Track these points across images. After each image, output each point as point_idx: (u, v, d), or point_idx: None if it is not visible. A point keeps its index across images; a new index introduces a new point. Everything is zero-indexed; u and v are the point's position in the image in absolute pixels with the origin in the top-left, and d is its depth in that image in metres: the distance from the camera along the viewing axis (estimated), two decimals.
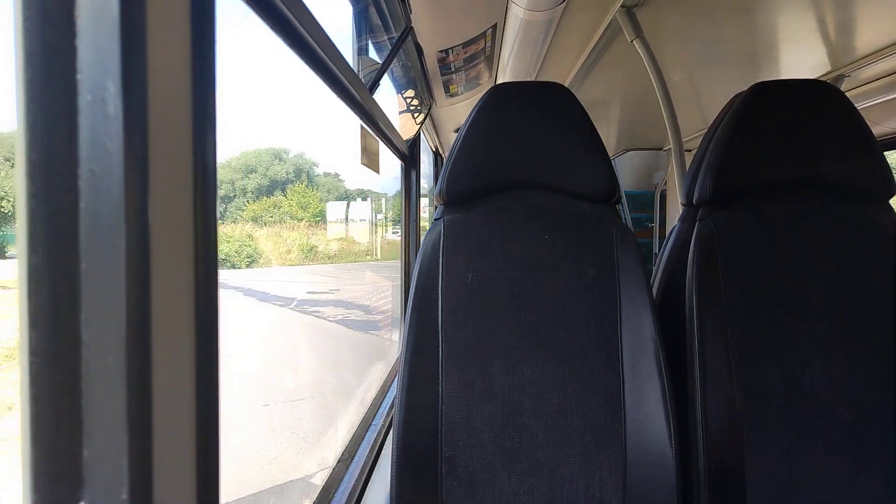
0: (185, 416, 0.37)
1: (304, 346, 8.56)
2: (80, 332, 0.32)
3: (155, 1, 0.33)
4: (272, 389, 6.74)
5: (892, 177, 1.07)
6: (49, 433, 0.33)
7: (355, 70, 1.33)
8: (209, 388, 0.39)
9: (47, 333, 0.32)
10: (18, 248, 0.32)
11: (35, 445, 0.32)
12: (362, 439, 1.38)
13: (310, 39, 0.77)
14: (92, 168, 0.32)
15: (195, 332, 0.38)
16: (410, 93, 2.03)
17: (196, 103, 0.38)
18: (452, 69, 1.91)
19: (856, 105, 2.06)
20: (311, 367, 7.69)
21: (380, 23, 1.38)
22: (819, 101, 1.09)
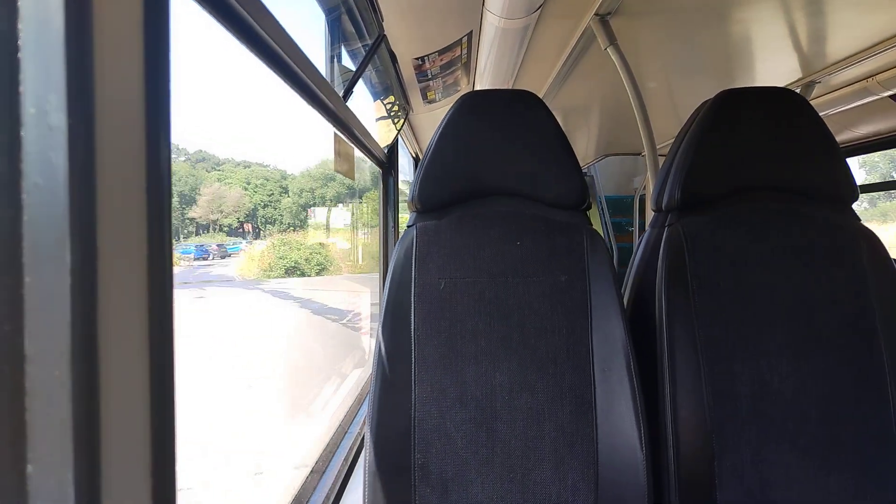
0: (138, 427, 0.37)
1: None
2: (23, 347, 0.32)
3: (103, 11, 0.33)
4: None
5: (855, 182, 1.10)
6: None
7: (330, 78, 1.33)
8: (163, 401, 0.39)
9: None
10: None
11: None
12: (337, 447, 1.38)
13: (277, 49, 0.77)
14: (36, 181, 0.31)
15: (148, 344, 0.38)
16: (391, 99, 2.04)
17: (149, 113, 0.37)
18: (429, 76, 1.92)
19: (828, 110, 2.11)
20: None
21: (353, 30, 1.38)
22: (783, 107, 1.11)
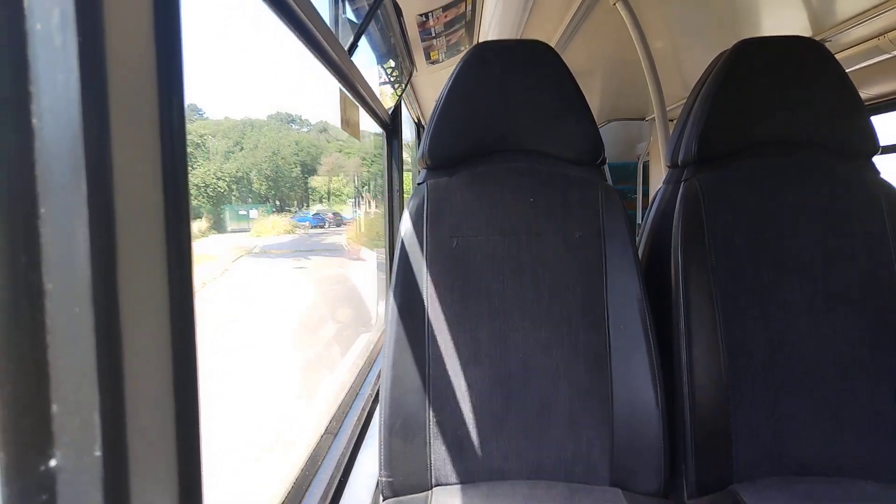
0: (160, 365, 0.36)
1: None
2: (42, 282, 0.31)
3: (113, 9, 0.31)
4: None
5: (876, 136, 1.07)
6: (13, 389, 0.31)
7: (335, 31, 1.29)
8: (184, 340, 0.38)
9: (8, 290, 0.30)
10: None
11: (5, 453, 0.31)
12: (350, 408, 1.38)
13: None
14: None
15: (167, 281, 0.36)
16: (391, 63, 1.99)
17: (162, 106, 0.35)
18: (433, 34, 1.88)
19: None
20: None
21: None
22: (804, 58, 1.08)
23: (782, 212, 1.04)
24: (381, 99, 1.92)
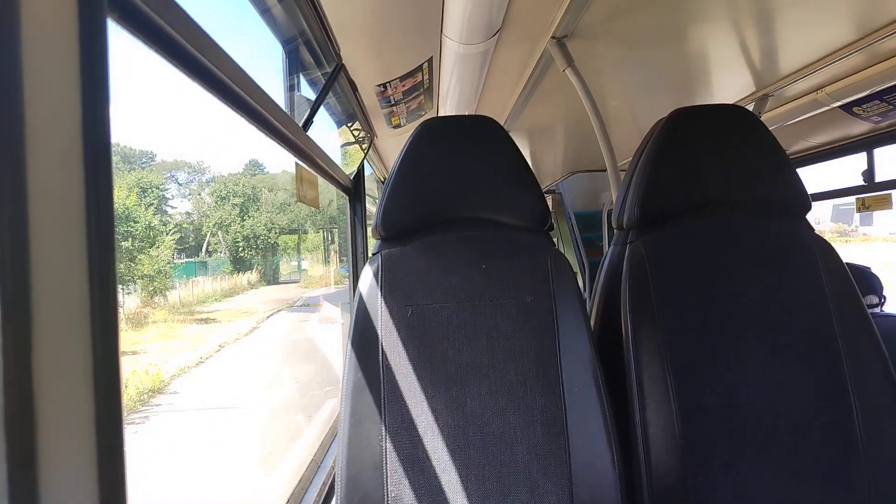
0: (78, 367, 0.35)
1: None
2: None
3: (36, 52, 0.32)
4: None
5: (807, 193, 1.12)
6: None
7: (290, 108, 1.32)
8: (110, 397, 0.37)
9: None
10: None
11: None
12: (310, 483, 1.34)
13: (229, 82, 0.76)
14: None
15: (91, 346, 0.36)
16: (353, 126, 2.03)
17: (87, 152, 0.37)
18: (393, 102, 1.93)
19: (781, 122, 2.17)
20: None
21: (312, 60, 1.38)
22: (733, 123, 1.14)
23: (726, 270, 1.07)
24: (344, 163, 1.95)
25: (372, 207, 2.39)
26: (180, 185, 35.75)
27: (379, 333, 0.99)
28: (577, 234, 5.04)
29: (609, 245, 4.08)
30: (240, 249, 30.07)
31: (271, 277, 30.30)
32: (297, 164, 1.26)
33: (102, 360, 0.36)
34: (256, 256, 30.65)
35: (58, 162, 0.35)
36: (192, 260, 29.38)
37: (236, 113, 0.88)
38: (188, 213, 33.84)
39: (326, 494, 1.35)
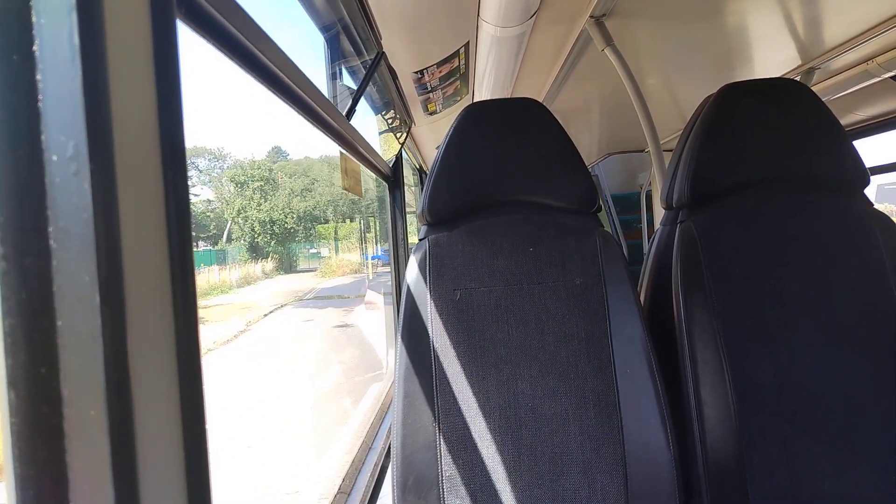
0: (170, 422, 0.38)
1: None
2: (59, 389, 0.32)
3: (117, 59, 0.34)
4: None
5: (865, 167, 1.09)
6: (31, 443, 0.33)
7: (332, 97, 1.34)
8: (196, 431, 0.40)
9: (27, 396, 0.32)
10: None
11: (18, 456, 0.33)
12: (363, 464, 1.38)
13: (282, 75, 0.78)
14: (61, 226, 0.32)
15: (178, 387, 0.38)
16: (390, 114, 2.05)
17: (165, 155, 0.38)
18: (429, 88, 1.93)
19: (828, 96, 2.11)
20: None
21: (352, 48, 1.39)
22: (786, 97, 1.11)
23: (779, 249, 1.05)
24: (380, 149, 1.97)
25: (408, 195, 2.41)
26: (200, 171, 35.82)
27: (428, 317, 1.01)
28: (615, 216, 4.97)
29: (645, 226, 4.04)
30: (257, 235, 29.39)
31: (288, 267, 29.66)
32: (341, 152, 1.28)
33: (187, 359, 0.39)
34: (273, 243, 29.90)
35: (142, 161, 0.37)
36: (210, 248, 28.99)
37: (285, 102, 0.90)
38: (209, 201, 33.71)
39: (378, 475, 1.38)
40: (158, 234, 0.38)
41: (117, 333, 0.33)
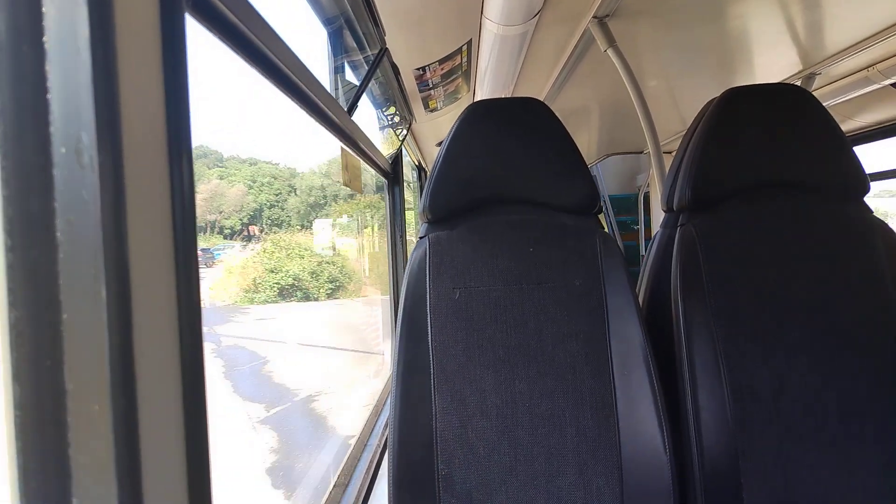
0: (172, 416, 0.38)
1: None
2: (63, 383, 0.32)
3: (126, 51, 0.34)
4: None
5: (865, 174, 1.09)
6: (35, 434, 0.33)
7: (333, 92, 1.34)
8: (195, 400, 0.40)
9: (31, 389, 0.32)
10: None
11: (22, 448, 0.33)
12: (358, 461, 1.38)
13: (285, 69, 0.78)
14: (69, 218, 0.32)
15: (181, 382, 0.38)
16: (391, 109, 2.05)
17: (171, 148, 0.38)
18: (430, 85, 1.93)
19: (829, 101, 2.11)
20: None
21: (354, 44, 1.39)
22: (789, 103, 1.11)
23: (780, 254, 1.05)
24: (381, 145, 1.97)
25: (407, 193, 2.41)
26: None
27: (427, 315, 1.00)
28: (612, 216, 4.98)
29: (642, 227, 4.05)
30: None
31: None
32: (342, 148, 1.28)
33: (190, 354, 0.39)
34: None
35: (149, 154, 0.37)
36: None
37: (286, 96, 0.90)
38: None
39: (374, 473, 1.38)
40: (164, 228, 0.38)
41: (123, 327, 0.33)
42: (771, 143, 1.10)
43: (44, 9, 0.32)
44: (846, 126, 2.61)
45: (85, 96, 0.32)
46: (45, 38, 0.32)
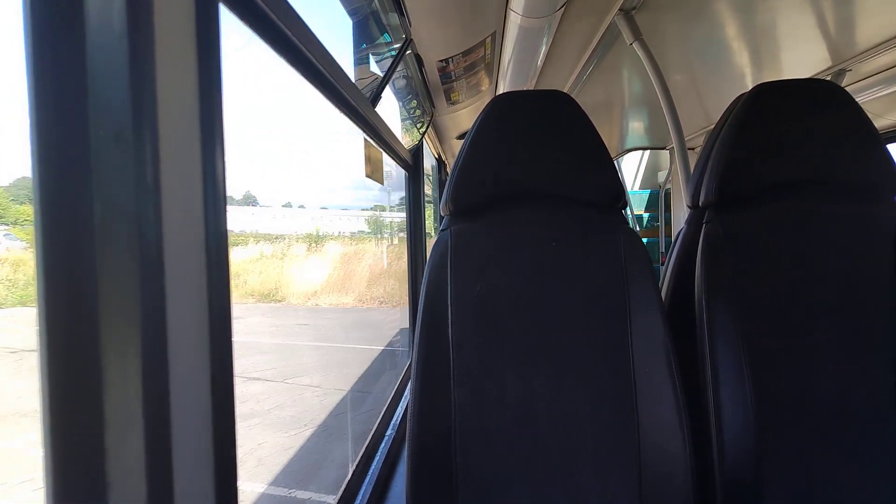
0: (201, 419, 0.39)
1: None
2: (101, 360, 0.33)
3: (163, 44, 0.34)
4: None
5: None
6: (70, 439, 0.34)
7: (355, 80, 1.34)
8: (224, 394, 0.41)
9: (66, 359, 0.33)
10: (37, 277, 0.33)
11: (56, 451, 0.34)
12: (376, 451, 1.39)
13: (312, 58, 0.78)
14: (106, 200, 0.33)
15: (209, 355, 0.39)
16: (413, 102, 2.04)
17: (204, 133, 0.39)
18: (453, 77, 1.92)
19: (858, 98, 2.07)
20: None
21: (379, 34, 1.39)
22: (821, 99, 1.09)
23: (807, 253, 1.03)
24: (402, 137, 1.97)
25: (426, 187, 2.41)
26: None
27: (448, 308, 1.00)
28: (632, 213, 4.94)
29: (663, 224, 3.99)
30: None
31: None
32: (364, 139, 1.28)
33: (220, 364, 0.40)
34: None
35: (183, 142, 0.37)
36: None
37: (313, 85, 0.90)
38: None
39: (392, 465, 1.39)
40: (196, 209, 0.38)
41: (158, 339, 0.34)
42: (801, 139, 1.08)
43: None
44: (877, 123, 2.55)
45: (122, 82, 0.33)
46: (85, 28, 0.33)
